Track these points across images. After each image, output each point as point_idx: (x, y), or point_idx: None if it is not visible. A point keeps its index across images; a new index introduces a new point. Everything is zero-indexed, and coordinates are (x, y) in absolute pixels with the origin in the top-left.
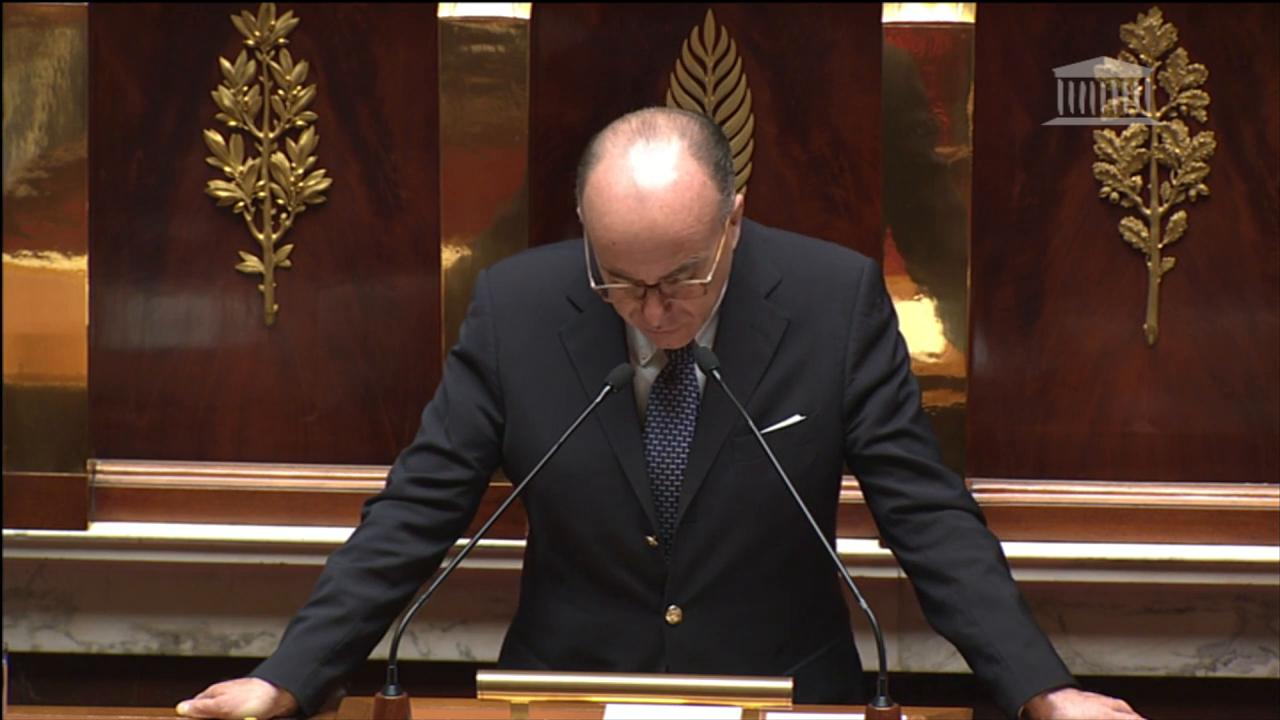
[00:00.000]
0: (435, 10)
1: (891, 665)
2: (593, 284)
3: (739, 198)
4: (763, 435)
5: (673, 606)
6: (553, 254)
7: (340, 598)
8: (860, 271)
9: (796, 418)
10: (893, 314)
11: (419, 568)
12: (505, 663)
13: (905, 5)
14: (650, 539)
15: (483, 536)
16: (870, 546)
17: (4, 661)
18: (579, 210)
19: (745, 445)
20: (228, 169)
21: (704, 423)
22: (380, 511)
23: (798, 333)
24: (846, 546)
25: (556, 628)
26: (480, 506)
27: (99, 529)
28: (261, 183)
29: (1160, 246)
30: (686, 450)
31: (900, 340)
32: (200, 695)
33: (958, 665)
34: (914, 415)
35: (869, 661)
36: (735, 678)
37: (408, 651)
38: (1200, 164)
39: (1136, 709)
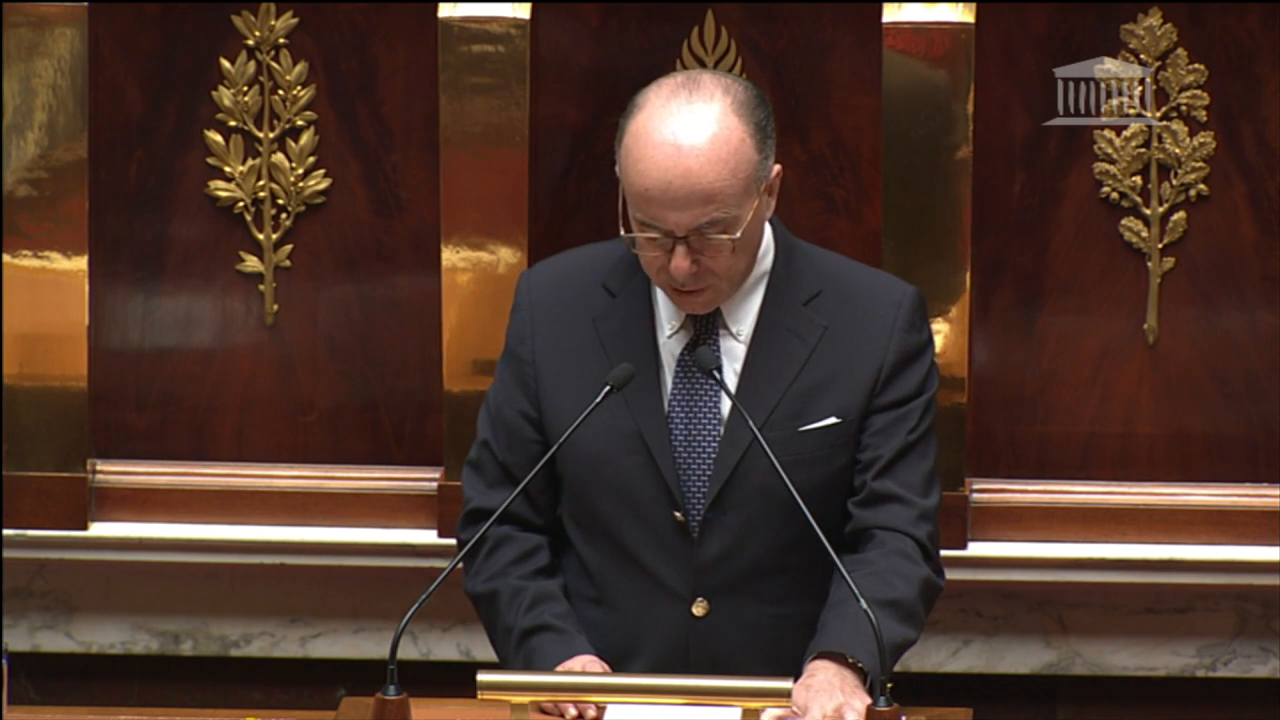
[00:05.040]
0: (435, 10)
1: None
2: (622, 233)
3: (777, 168)
4: (798, 434)
5: (700, 598)
6: (590, 249)
7: (517, 592)
8: (904, 293)
9: (833, 419)
10: (931, 341)
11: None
12: None
13: (905, 5)
14: (677, 514)
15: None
16: None
17: (4, 661)
18: (616, 161)
19: (777, 442)
20: (228, 169)
21: (736, 414)
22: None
23: (834, 340)
24: None
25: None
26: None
27: (99, 529)
28: (261, 183)
29: (1160, 246)
30: (716, 423)
31: (934, 371)
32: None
33: (958, 665)
34: (929, 468)
35: None
36: (735, 678)
37: (408, 651)
38: (1200, 164)
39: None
